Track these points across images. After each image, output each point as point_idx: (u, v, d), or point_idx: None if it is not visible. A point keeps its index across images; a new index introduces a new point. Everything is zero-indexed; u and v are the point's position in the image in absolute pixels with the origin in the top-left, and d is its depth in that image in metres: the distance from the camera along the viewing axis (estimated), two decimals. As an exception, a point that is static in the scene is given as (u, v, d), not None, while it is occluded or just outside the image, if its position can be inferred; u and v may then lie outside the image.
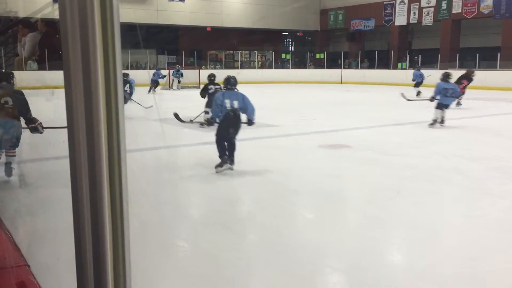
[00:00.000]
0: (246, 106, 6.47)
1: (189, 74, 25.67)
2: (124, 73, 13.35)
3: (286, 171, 6.59)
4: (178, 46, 32.61)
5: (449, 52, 27.49)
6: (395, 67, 30.17)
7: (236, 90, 6.61)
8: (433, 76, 18.01)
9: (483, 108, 15.41)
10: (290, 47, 39.81)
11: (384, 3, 31.43)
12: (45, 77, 20.67)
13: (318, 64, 33.77)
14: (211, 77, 11.41)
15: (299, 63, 35.07)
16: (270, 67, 34.14)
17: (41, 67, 23.00)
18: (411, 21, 30.12)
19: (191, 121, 10.25)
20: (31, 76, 21.62)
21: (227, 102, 6.41)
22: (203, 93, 11.08)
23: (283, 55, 36.73)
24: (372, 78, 29.23)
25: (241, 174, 6.53)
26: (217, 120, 6.50)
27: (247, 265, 3.65)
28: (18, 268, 2.03)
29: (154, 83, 21.04)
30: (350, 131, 10.24)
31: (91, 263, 0.67)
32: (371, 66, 31.64)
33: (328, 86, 26.72)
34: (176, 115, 8.75)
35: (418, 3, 29.54)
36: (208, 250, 3.87)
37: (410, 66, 29.15)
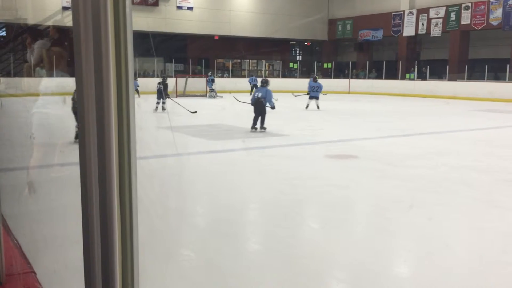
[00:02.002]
0: (266, 96, 11.38)
1: (196, 83, 26.58)
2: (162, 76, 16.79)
3: (293, 180, 6.58)
4: (185, 55, 32.74)
5: (458, 63, 27.43)
6: (403, 78, 30.13)
7: (266, 87, 11.67)
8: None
9: (491, 120, 15.34)
10: (298, 57, 39.86)
11: (393, 13, 31.47)
12: (52, 84, 20.75)
13: (326, 74, 33.80)
14: (163, 77, 16.00)
15: (306, 73, 35.10)
16: (277, 76, 34.20)
17: (49, 74, 23.14)
18: (419, 32, 30.11)
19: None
20: (39, 83, 21.80)
21: (257, 94, 11.49)
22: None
23: (291, 65, 36.78)
24: (379, 89, 29.22)
25: (247, 183, 6.53)
26: (251, 104, 11.53)
27: (252, 274, 3.63)
28: (24, 275, 2.03)
29: (253, 87, 24.34)
30: (357, 141, 10.21)
31: (99, 270, 0.67)
32: (379, 77, 31.62)
33: (335, 96, 26.68)
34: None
35: (426, 14, 29.54)
36: (214, 259, 3.86)
37: (418, 77, 29.11)
